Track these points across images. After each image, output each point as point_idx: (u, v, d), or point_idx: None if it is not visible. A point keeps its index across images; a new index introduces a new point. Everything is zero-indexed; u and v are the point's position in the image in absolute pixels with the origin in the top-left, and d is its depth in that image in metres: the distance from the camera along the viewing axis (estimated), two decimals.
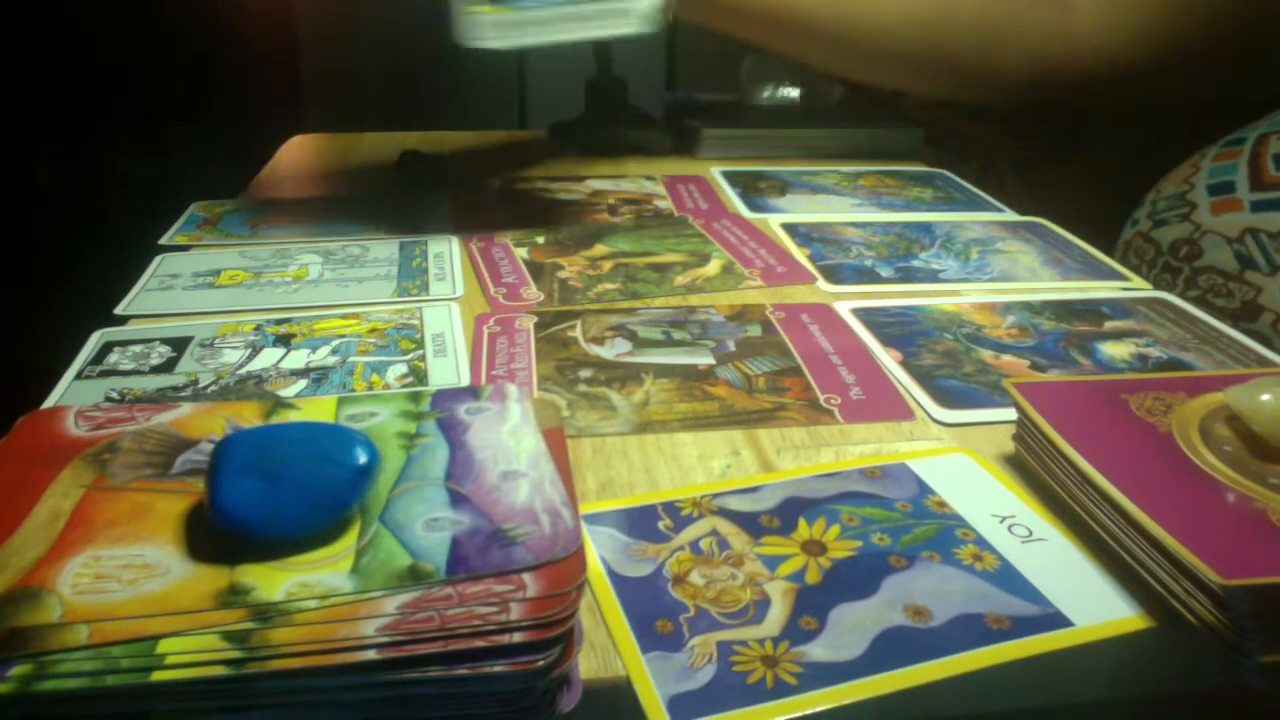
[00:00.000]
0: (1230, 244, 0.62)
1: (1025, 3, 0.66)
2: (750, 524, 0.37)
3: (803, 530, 0.36)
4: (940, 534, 0.36)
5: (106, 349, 0.50)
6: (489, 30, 0.49)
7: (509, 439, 0.36)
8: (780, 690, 0.29)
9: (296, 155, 0.90)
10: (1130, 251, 0.68)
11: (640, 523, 0.37)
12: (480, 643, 0.27)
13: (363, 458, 0.32)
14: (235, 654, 0.26)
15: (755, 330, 0.54)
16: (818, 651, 0.31)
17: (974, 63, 0.67)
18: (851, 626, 0.32)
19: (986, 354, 0.51)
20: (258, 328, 0.52)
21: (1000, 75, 0.69)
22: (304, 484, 0.31)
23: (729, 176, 0.83)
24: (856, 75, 0.73)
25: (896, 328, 0.54)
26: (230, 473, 0.31)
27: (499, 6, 0.49)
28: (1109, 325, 0.55)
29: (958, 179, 0.83)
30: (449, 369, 0.48)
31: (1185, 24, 0.66)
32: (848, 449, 0.43)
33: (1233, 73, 0.71)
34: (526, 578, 0.29)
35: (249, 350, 0.50)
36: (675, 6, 0.72)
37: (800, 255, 0.65)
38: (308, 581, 0.29)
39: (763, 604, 0.33)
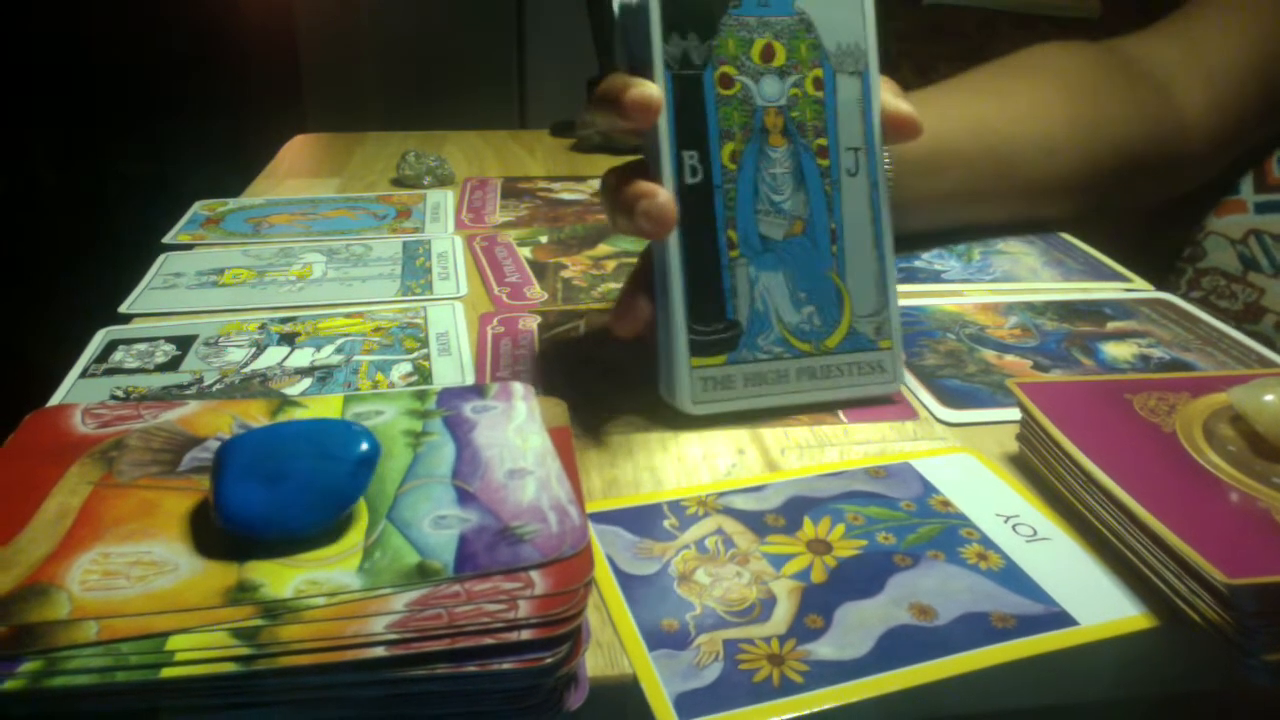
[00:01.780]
0: (1234, 245, 0.62)
1: (1146, 112, 0.66)
2: (755, 523, 0.37)
3: (808, 529, 0.36)
4: (945, 533, 0.36)
5: (111, 347, 0.50)
6: (708, 396, 0.43)
7: (515, 437, 0.36)
8: (786, 688, 0.29)
9: (298, 155, 0.90)
10: (1133, 250, 0.68)
11: (646, 521, 0.37)
12: (488, 640, 0.27)
13: (362, 448, 0.32)
14: (244, 651, 0.26)
15: None
16: (824, 650, 0.31)
17: (1113, 183, 0.67)
18: (857, 625, 0.32)
19: (989, 354, 0.51)
20: (262, 326, 0.53)
21: (1138, 188, 0.69)
22: (306, 482, 0.31)
23: None
24: (1006, 207, 0.69)
25: None
26: (232, 478, 0.31)
27: (719, 359, 0.43)
28: (1111, 326, 0.55)
29: None
30: (453, 368, 0.48)
31: (1259, 87, 0.67)
32: (852, 449, 0.43)
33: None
34: (534, 575, 0.29)
35: (253, 349, 0.50)
36: None
37: None
38: (316, 579, 0.29)
39: (768, 602, 0.33)
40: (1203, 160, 0.68)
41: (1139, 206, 0.72)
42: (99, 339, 0.51)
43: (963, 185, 0.62)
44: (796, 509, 0.38)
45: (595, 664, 0.30)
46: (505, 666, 0.27)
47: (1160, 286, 0.61)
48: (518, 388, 0.40)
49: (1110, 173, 0.65)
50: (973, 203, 0.64)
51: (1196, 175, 0.69)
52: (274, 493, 0.31)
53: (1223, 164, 0.69)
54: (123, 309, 0.55)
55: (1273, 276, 0.60)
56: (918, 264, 0.64)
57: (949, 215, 0.64)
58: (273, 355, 0.49)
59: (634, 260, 0.63)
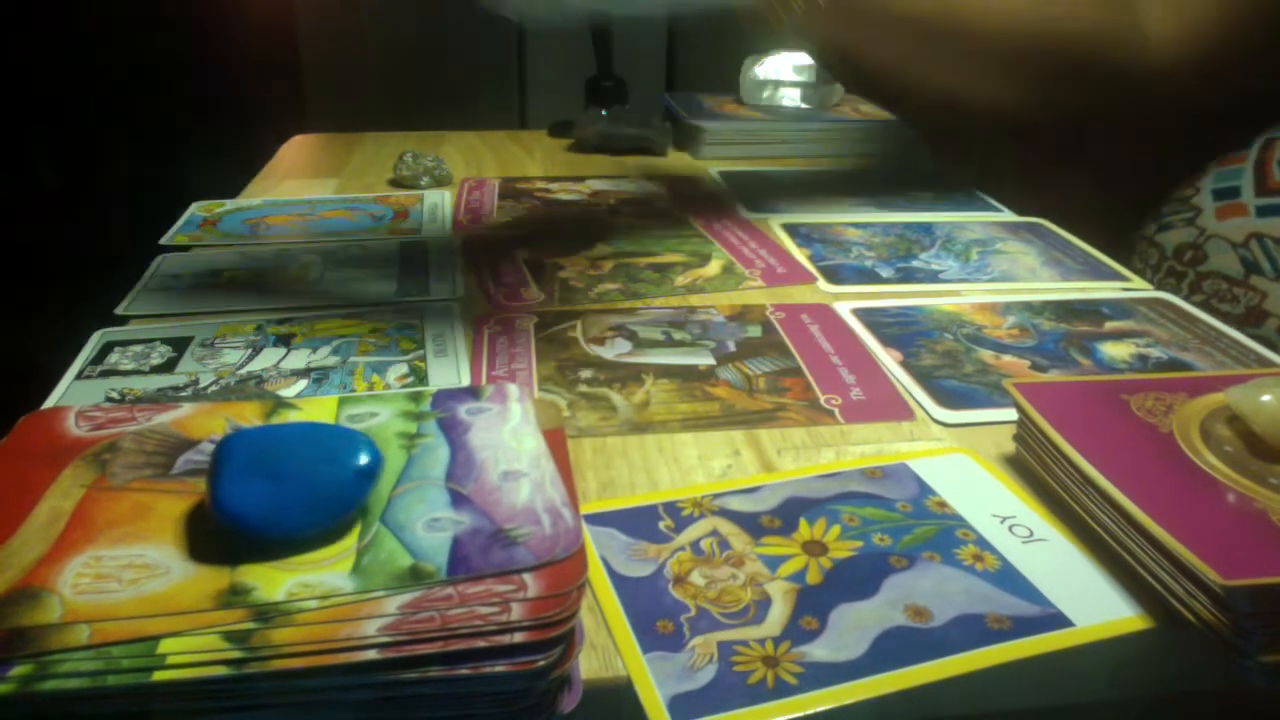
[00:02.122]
0: (1235, 249, 0.62)
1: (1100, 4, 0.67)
2: (751, 524, 0.37)
3: (803, 530, 0.36)
4: (941, 534, 0.36)
5: (107, 349, 0.50)
6: None
7: (510, 439, 0.36)
8: (781, 690, 0.29)
9: (297, 155, 0.90)
10: (1135, 255, 0.68)
11: (641, 523, 0.37)
12: (481, 643, 0.27)
13: (365, 458, 0.32)
14: (236, 654, 0.26)
15: (755, 330, 0.54)
16: (819, 651, 0.31)
17: (1068, 65, 0.67)
18: (852, 626, 0.32)
19: (987, 354, 0.51)
20: (258, 328, 0.52)
21: (1086, 77, 0.70)
22: (306, 484, 0.31)
23: (726, 176, 0.83)
24: (959, 80, 0.71)
25: (897, 328, 0.54)
26: (232, 472, 0.31)
27: None
28: (1109, 325, 0.55)
29: (955, 178, 0.83)
30: (449, 369, 0.48)
31: (1242, 13, 0.67)
32: (848, 449, 0.43)
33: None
34: (527, 578, 0.29)
35: (249, 350, 0.50)
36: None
37: (800, 255, 0.65)
38: (309, 581, 0.29)
39: (763, 604, 0.33)
40: (1161, 74, 0.68)
41: (1092, 115, 0.73)
42: (95, 340, 0.51)
43: (914, 37, 0.63)
44: (792, 510, 0.38)
45: (589, 666, 0.30)
46: (498, 669, 0.27)
47: (1159, 284, 0.61)
48: (513, 389, 0.40)
49: (1059, 57, 0.66)
50: (919, 58, 0.65)
51: (1153, 88, 0.70)
52: (272, 492, 0.30)
53: (1192, 95, 0.69)
54: (119, 310, 0.55)
55: (1274, 280, 0.60)
56: (915, 264, 0.64)
57: (893, 73, 0.65)
58: (269, 357, 0.49)
59: (633, 260, 0.63)
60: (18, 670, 0.26)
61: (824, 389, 0.47)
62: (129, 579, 0.29)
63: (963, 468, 0.41)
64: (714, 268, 0.63)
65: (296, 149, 0.93)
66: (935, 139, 0.94)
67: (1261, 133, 0.67)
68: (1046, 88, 0.68)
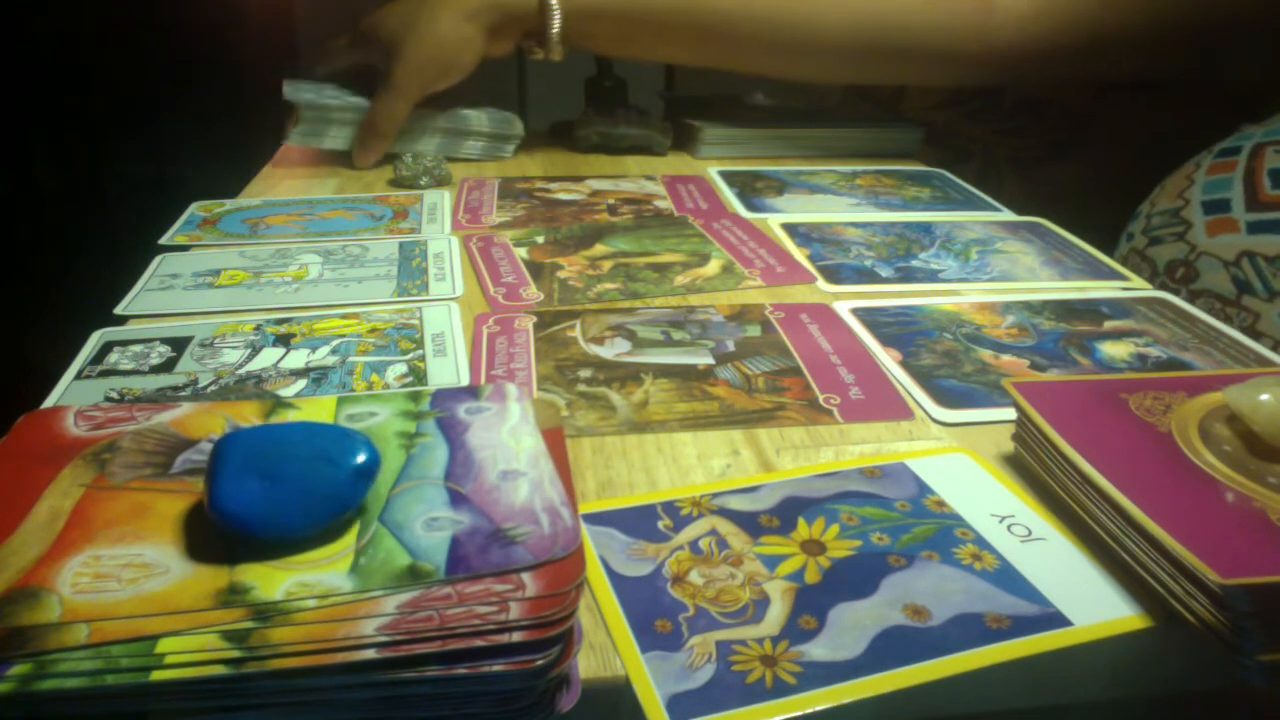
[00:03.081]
0: (1227, 267, 0.61)
1: (946, 7, 0.72)
2: (750, 524, 0.37)
3: (802, 530, 0.36)
4: (939, 533, 0.36)
5: (106, 349, 0.50)
6: None
7: (509, 438, 0.36)
8: (779, 690, 0.29)
9: (296, 155, 0.90)
10: (1127, 267, 0.68)
11: (640, 522, 0.37)
12: (479, 642, 0.27)
13: (362, 457, 0.32)
14: (234, 653, 0.26)
15: (755, 330, 0.54)
16: (817, 651, 0.31)
17: (902, 60, 0.73)
18: (851, 626, 0.32)
19: (986, 354, 0.51)
20: (258, 327, 0.52)
21: (927, 68, 0.75)
22: (304, 484, 0.31)
23: (726, 176, 0.83)
24: (782, 73, 0.80)
25: (896, 327, 0.54)
26: (229, 472, 0.31)
27: None
28: (1108, 325, 0.55)
29: (954, 178, 0.83)
30: (449, 369, 0.48)
31: (1100, 13, 0.70)
32: (847, 449, 0.43)
33: (1155, 55, 0.75)
34: (526, 577, 0.29)
35: (249, 350, 0.50)
36: (559, 38, 0.78)
37: (800, 255, 0.65)
38: (307, 581, 0.29)
39: (762, 603, 0.33)
40: (1019, 62, 0.72)
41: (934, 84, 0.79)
42: (94, 340, 0.51)
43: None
44: (791, 509, 0.38)
45: (588, 666, 0.30)
46: (496, 668, 0.27)
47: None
48: (511, 389, 0.40)
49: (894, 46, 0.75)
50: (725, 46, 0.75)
51: (1004, 69, 0.74)
52: (270, 492, 0.30)
53: (1081, 76, 0.74)
54: (118, 310, 0.55)
55: (1267, 300, 0.59)
56: (914, 263, 0.64)
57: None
58: (268, 356, 0.49)
59: (632, 260, 0.63)
60: (17, 670, 0.26)
61: (823, 388, 0.47)
62: (128, 578, 0.29)
63: (962, 467, 0.41)
64: (713, 267, 0.63)
65: (296, 149, 0.92)
66: (935, 139, 0.95)
67: (1249, 134, 0.67)
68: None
